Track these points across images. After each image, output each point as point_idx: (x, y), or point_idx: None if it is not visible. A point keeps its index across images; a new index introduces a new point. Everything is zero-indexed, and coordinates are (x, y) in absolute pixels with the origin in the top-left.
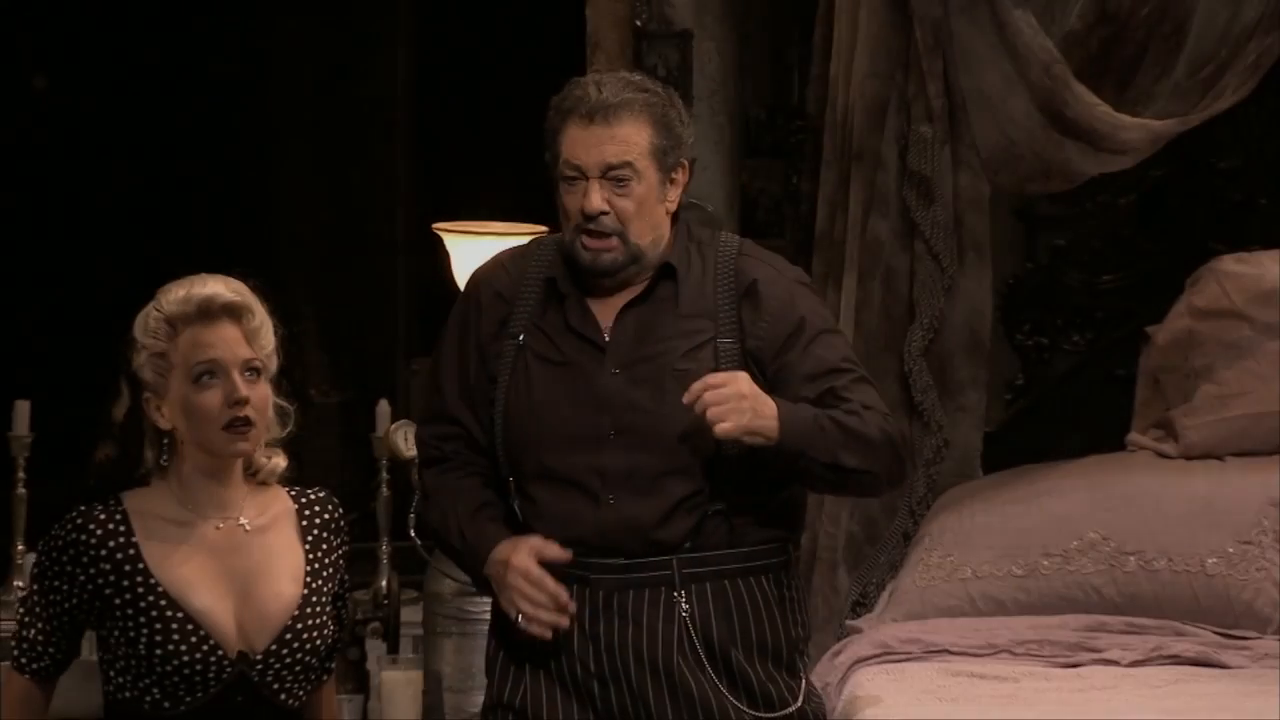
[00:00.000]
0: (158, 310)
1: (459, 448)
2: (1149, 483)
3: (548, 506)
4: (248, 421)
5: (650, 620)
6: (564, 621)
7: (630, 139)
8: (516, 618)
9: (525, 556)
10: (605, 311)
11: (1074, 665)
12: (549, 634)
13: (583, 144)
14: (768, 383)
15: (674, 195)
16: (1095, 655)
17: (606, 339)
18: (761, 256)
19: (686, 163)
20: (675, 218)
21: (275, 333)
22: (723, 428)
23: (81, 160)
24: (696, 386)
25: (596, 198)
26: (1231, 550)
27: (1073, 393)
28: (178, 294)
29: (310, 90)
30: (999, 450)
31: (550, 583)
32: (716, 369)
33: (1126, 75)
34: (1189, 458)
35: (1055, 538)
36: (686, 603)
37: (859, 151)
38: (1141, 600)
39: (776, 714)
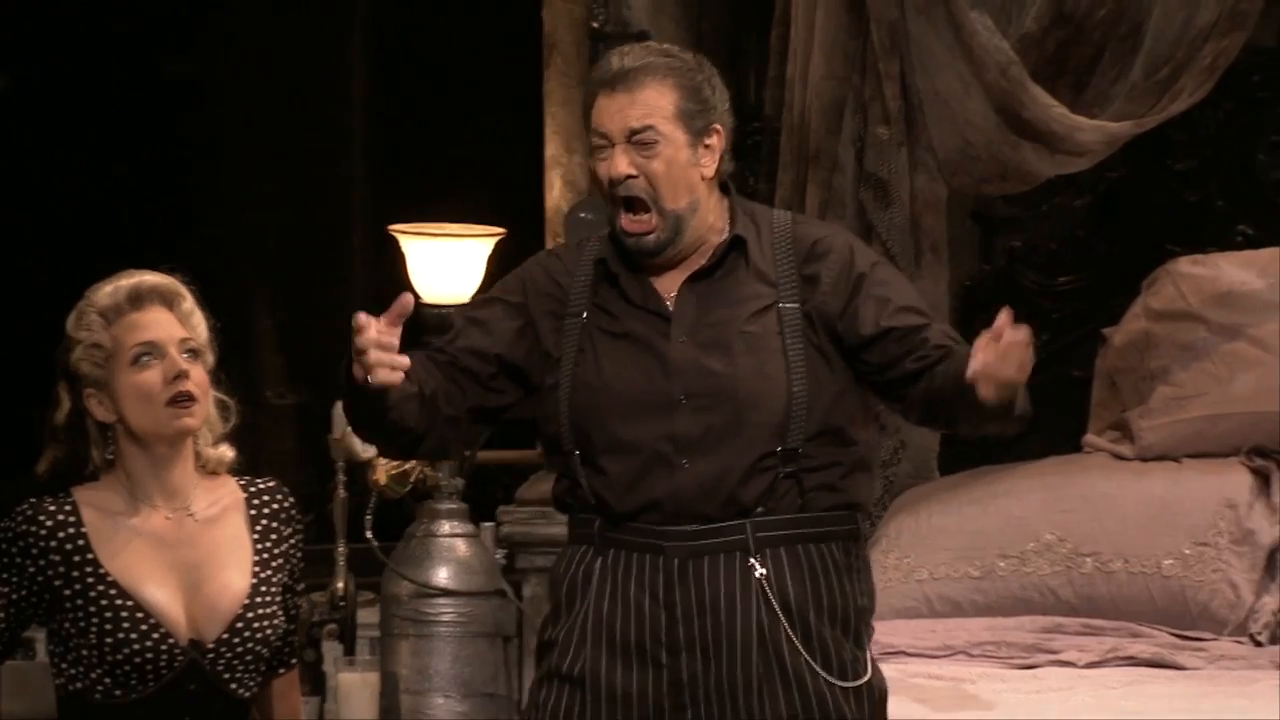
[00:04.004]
0: (89, 305)
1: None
2: (1105, 484)
3: (619, 477)
4: (190, 396)
5: (728, 586)
6: (394, 367)
7: (653, 102)
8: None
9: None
10: (667, 284)
11: (1030, 666)
12: (390, 378)
13: (607, 112)
14: (832, 336)
15: (709, 161)
16: (1052, 657)
17: (671, 309)
18: (816, 222)
19: (720, 129)
20: (726, 190)
21: (208, 327)
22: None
23: (34, 163)
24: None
25: (622, 161)
26: (1188, 551)
27: (1029, 394)
28: (106, 288)
29: (266, 92)
30: (955, 451)
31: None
32: (780, 333)
33: (1083, 77)
34: (1145, 459)
35: (1012, 539)
36: (762, 567)
37: (816, 153)
38: (1098, 602)
39: (850, 683)
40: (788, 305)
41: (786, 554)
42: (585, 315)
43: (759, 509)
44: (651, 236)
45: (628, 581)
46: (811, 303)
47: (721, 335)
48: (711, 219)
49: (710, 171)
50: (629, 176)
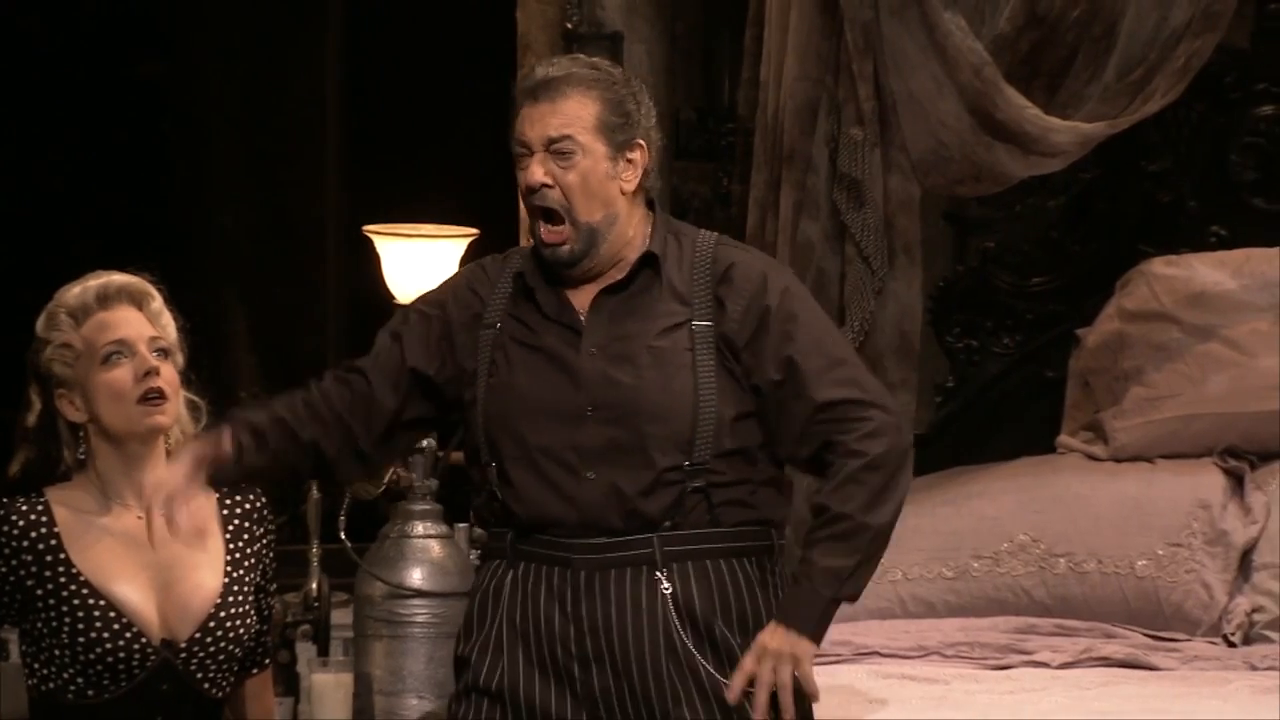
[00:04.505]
0: (58, 306)
1: (327, 388)
2: (1079, 485)
3: (526, 489)
4: (161, 394)
5: (634, 600)
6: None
7: (573, 112)
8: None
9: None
10: (581, 297)
11: (1004, 667)
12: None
13: (528, 120)
14: (741, 367)
15: (630, 175)
16: (1025, 657)
17: (583, 322)
18: (739, 246)
19: (644, 144)
20: (652, 206)
21: (177, 328)
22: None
23: (2, 163)
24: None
25: (537, 170)
26: (1161, 552)
27: (1003, 395)
28: (75, 289)
29: (238, 93)
30: (929, 452)
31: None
32: (691, 350)
33: (1056, 78)
34: (1119, 460)
35: (985, 540)
36: (668, 581)
37: (789, 154)
38: (1071, 602)
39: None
40: (700, 323)
41: (694, 568)
42: (499, 326)
43: (666, 523)
44: (565, 248)
45: (538, 594)
46: (722, 326)
47: (630, 349)
48: (631, 234)
49: (631, 186)
50: (544, 185)
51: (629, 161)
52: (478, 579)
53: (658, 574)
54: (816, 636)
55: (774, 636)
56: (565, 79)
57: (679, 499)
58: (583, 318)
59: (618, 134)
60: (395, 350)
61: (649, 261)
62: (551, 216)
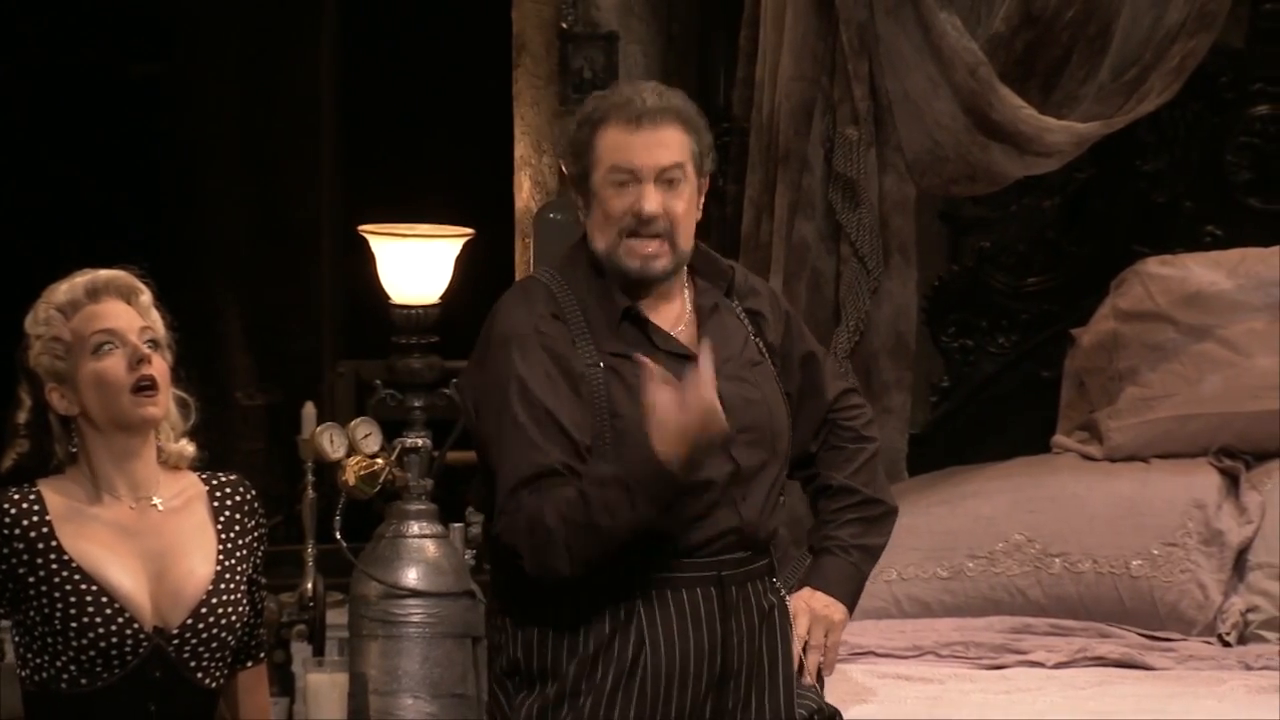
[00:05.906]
0: (47, 302)
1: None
2: (1074, 485)
3: (687, 515)
4: (154, 383)
5: (768, 610)
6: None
7: (678, 142)
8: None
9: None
10: (669, 324)
11: (999, 667)
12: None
13: (632, 147)
14: (779, 371)
15: (700, 202)
16: (1020, 657)
17: (690, 349)
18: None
19: (709, 171)
20: None
21: (166, 324)
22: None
23: (0, 163)
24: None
25: (655, 200)
26: (1156, 552)
27: (998, 395)
28: (63, 285)
29: (234, 94)
30: (924, 452)
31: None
32: (765, 362)
33: (1051, 78)
34: (1114, 460)
35: (980, 539)
36: (782, 587)
37: (785, 154)
38: (1066, 602)
39: (821, 682)
40: (755, 337)
41: (782, 574)
42: (603, 365)
43: (777, 532)
44: (660, 262)
45: (683, 617)
46: (767, 336)
47: (738, 369)
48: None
49: (699, 213)
50: (657, 215)
51: (701, 188)
52: (571, 610)
53: (774, 581)
54: (852, 608)
55: (815, 600)
56: (665, 109)
57: (779, 508)
58: (690, 345)
59: (704, 162)
60: (583, 429)
61: (731, 278)
62: (650, 230)
